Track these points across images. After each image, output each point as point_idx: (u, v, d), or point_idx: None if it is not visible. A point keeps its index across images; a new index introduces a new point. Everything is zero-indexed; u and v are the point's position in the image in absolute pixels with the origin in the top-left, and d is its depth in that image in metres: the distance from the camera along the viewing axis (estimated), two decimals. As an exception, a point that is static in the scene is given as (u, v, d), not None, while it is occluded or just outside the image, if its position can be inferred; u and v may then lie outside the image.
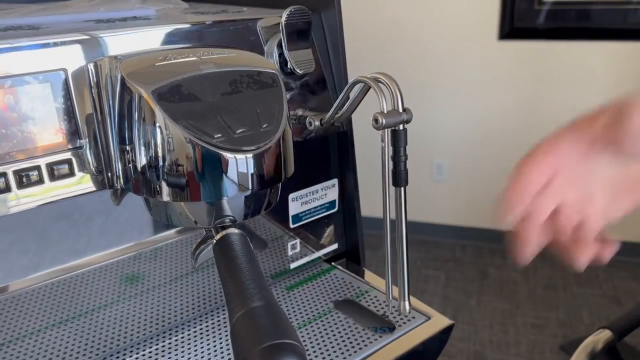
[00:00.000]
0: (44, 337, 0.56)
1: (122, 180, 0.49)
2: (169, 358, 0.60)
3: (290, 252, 0.72)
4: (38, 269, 0.54)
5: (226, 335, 0.63)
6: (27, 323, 0.55)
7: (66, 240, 0.55)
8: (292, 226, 0.71)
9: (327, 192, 0.72)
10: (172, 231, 0.63)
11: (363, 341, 0.61)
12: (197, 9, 0.67)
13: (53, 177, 0.48)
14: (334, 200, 0.73)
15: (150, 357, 0.60)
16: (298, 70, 0.60)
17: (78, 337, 0.58)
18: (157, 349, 0.61)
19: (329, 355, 0.59)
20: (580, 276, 2.39)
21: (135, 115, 0.45)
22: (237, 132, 0.45)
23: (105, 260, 0.59)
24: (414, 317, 0.64)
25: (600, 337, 0.80)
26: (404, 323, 0.64)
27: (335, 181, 0.73)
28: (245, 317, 0.39)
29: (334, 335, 0.62)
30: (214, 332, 0.63)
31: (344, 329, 0.63)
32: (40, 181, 0.47)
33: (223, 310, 0.67)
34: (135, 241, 0.60)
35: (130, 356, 0.60)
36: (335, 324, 0.64)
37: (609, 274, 2.40)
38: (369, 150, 1.18)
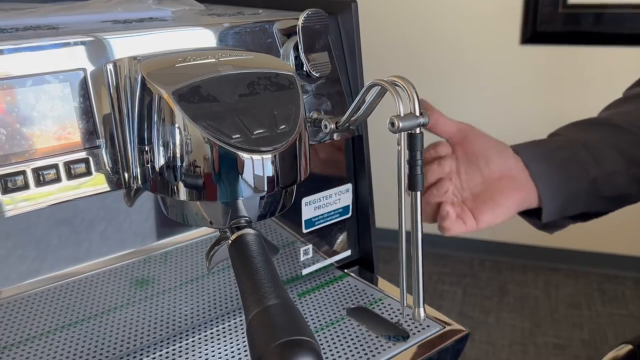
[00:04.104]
0: (54, 339, 0.59)
1: (139, 180, 0.52)
2: (180, 362, 0.63)
3: (302, 258, 0.75)
4: (48, 270, 0.58)
5: (237, 340, 0.66)
6: (37, 324, 0.58)
7: (76, 242, 0.58)
8: (304, 231, 0.73)
9: (341, 197, 0.75)
10: (183, 235, 0.66)
11: (376, 348, 0.64)
12: (212, 10, 0.71)
13: (70, 176, 0.51)
14: (348, 206, 0.76)
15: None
16: (314, 73, 0.63)
17: (88, 339, 0.61)
18: (167, 352, 0.64)
19: (341, 361, 0.62)
20: (606, 294, 2.40)
21: (155, 116, 0.48)
22: (255, 133, 0.48)
23: (116, 263, 0.62)
24: (428, 326, 0.67)
25: (622, 352, 0.81)
26: (418, 331, 0.66)
27: (349, 186, 0.76)
28: (261, 314, 0.42)
29: (347, 342, 0.65)
30: (224, 336, 0.66)
31: (357, 337, 0.66)
32: (58, 180, 0.51)
33: (234, 314, 0.70)
34: (146, 244, 0.64)
35: (141, 359, 0.63)
36: (348, 331, 0.67)
37: (636, 292, 2.40)
38: (383, 158, 1.21)
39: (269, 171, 0.49)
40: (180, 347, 0.65)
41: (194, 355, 0.63)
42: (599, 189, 0.69)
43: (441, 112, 0.70)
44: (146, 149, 0.50)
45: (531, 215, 0.72)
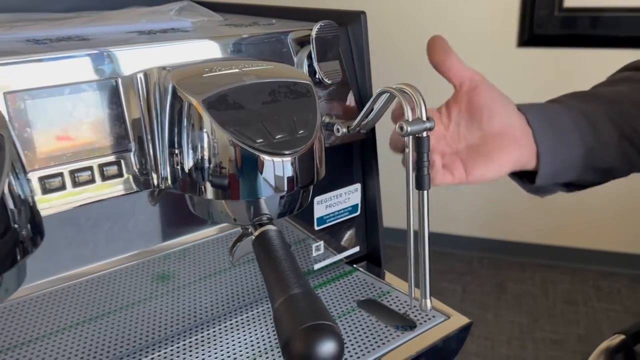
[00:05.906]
0: (84, 330, 0.62)
1: (169, 180, 0.56)
2: (202, 350, 0.67)
3: (314, 254, 0.79)
4: (77, 266, 0.61)
5: (255, 330, 0.70)
6: (65, 318, 0.61)
7: (101, 240, 0.62)
8: (316, 228, 0.77)
9: (351, 196, 0.79)
10: (200, 232, 0.70)
11: (385, 337, 0.68)
12: (229, 20, 0.75)
13: (103, 177, 0.55)
14: (357, 204, 0.80)
15: (184, 349, 0.67)
16: (326, 80, 0.67)
17: (115, 330, 0.65)
18: (190, 342, 0.68)
19: (353, 349, 0.66)
20: (601, 291, 2.44)
21: (185, 122, 0.52)
22: (277, 137, 0.52)
23: (139, 258, 0.66)
24: (433, 316, 0.71)
25: (615, 342, 0.85)
26: (425, 321, 0.70)
27: (358, 186, 0.80)
28: (287, 302, 0.46)
29: (358, 331, 0.69)
30: (244, 327, 0.70)
31: (367, 327, 0.70)
32: (92, 181, 0.55)
33: (251, 306, 0.74)
34: (166, 241, 0.68)
35: (165, 349, 0.67)
36: (359, 321, 0.71)
37: (631, 288, 2.44)
38: (390, 161, 1.24)
39: (289, 172, 0.53)
40: (202, 337, 0.69)
41: (215, 345, 0.67)
42: (593, 159, 0.68)
43: (458, 56, 0.68)
44: (176, 152, 0.54)
45: (522, 177, 0.71)
